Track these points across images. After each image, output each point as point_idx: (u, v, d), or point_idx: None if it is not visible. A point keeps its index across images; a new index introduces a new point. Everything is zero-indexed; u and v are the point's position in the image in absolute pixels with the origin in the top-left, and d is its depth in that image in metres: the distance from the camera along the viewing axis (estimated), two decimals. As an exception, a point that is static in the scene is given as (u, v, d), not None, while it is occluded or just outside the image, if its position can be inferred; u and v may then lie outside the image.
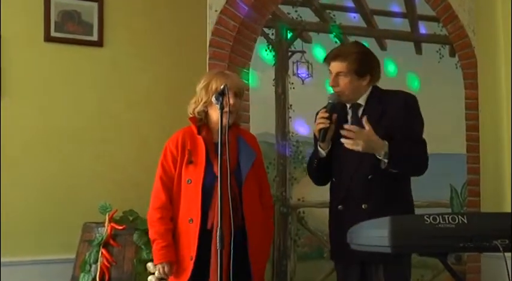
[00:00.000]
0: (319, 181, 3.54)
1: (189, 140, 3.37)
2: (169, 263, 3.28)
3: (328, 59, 3.34)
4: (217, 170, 3.07)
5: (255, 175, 3.41)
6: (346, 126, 3.17)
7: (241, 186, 3.33)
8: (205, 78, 3.40)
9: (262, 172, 3.56)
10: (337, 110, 3.31)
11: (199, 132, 3.38)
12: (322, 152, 3.37)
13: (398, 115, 3.22)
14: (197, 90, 3.40)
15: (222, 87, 3.07)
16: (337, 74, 3.30)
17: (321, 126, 3.27)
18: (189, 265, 3.25)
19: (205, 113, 3.39)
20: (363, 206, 3.23)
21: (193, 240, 3.23)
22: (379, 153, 3.13)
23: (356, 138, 3.11)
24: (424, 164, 3.23)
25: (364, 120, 3.15)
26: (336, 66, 3.30)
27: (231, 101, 3.27)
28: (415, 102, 3.31)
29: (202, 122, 3.40)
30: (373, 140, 3.12)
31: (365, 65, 3.28)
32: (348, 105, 3.37)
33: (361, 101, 3.33)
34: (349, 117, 3.37)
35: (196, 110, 3.38)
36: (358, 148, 3.12)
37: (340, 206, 3.34)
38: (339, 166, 3.37)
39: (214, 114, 3.33)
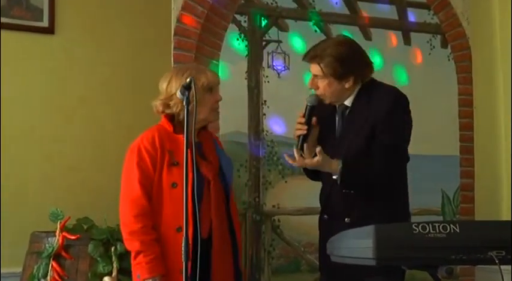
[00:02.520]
0: (313, 179, 3.59)
1: (167, 139, 3.35)
2: (161, 278, 3.26)
3: (305, 59, 3.37)
4: (206, 172, 3.21)
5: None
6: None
7: (227, 191, 3.42)
8: (185, 75, 3.35)
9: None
10: (322, 112, 3.33)
11: (176, 131, 3.37)
12: None
13: (382, 117, 3.23)
14: (173, 90, 3.35)
15: (188, 80, 3.06)
16: (315, 76, 3.33)
17: (298, 133, 3.29)
18: (179, 280, 3.23)
19: None
20: (346, 220, 3.26)
21: None
22: (333, 173, 3.21)
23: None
24: (381, 177, 3.22)
25: (318, 150, 3.16)
26: (312, 68, 3.34)
27: (217, 97, 3.44)
28: (402, 103, 3.32)
29: (181, 123, 3.37)
30: (325, 165, 3.21)
31: (344, 68, 3.27)
32: (337, 105, 3.39)
33: (348, 102, 3.35)
34: (337, 118, 3.40)
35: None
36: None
37: (325, 216, 3.41)
38: (322, 171, 3.41)
39: (203, 111, 3.33)
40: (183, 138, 3.31)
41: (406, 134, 3.33)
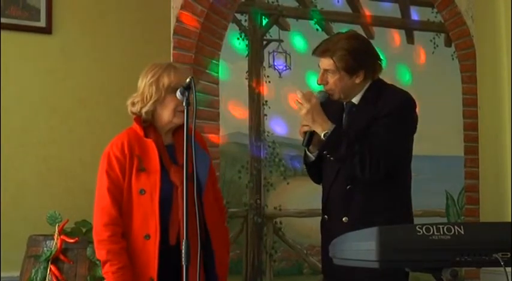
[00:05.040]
0: (316, 181, 3.58)
1: (136, 144, 3.31)
2: None
3: (316, 53, 3.37)
4: (174, 177, 3.18)
5: (210, 180, 3.44)
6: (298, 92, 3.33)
7: (201, 194, 3.33)
8: (152, 72, 3.33)
9: (214, 173, 3.60)
10: (330, 109, 3.33)
11: (146, 135, 3.34)
12: (311, 156, 3.42)
13: (385, 112, 3.25)
14: (141, 86, 3.34)
15: (188, 80, 3.06)
16: (325, 71, 3.33)
17: (305, 129, 3.31)
18: None
19: (153, 113, 3.36)
20: (343, 219, 3.27)
21: (153, 259, 3.20)
22: (318, 130, 3.24)
23: (304, 102, 3.25)
24: (364, 167, 3.20)
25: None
26: (323, 62, 3.34)
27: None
28: (409, 105, 3.33)
29: (147, 123, 3.37)
30: (319, 112, 3.25)
31: (356, 62, 3.29)
32: (345, 103, 3.41)
33: (356, 99, 3.36)
34: (344, 116, 3.41)
35: (144, 109, 3.32)
36: (301, 112, 3.26)
37: (326, 216, 3.41)
38: (323, 171, 3.43)
39: (166, 113, 3.31)
40: (152, 142, 3.31)
41: (407, 133, 3.33)
